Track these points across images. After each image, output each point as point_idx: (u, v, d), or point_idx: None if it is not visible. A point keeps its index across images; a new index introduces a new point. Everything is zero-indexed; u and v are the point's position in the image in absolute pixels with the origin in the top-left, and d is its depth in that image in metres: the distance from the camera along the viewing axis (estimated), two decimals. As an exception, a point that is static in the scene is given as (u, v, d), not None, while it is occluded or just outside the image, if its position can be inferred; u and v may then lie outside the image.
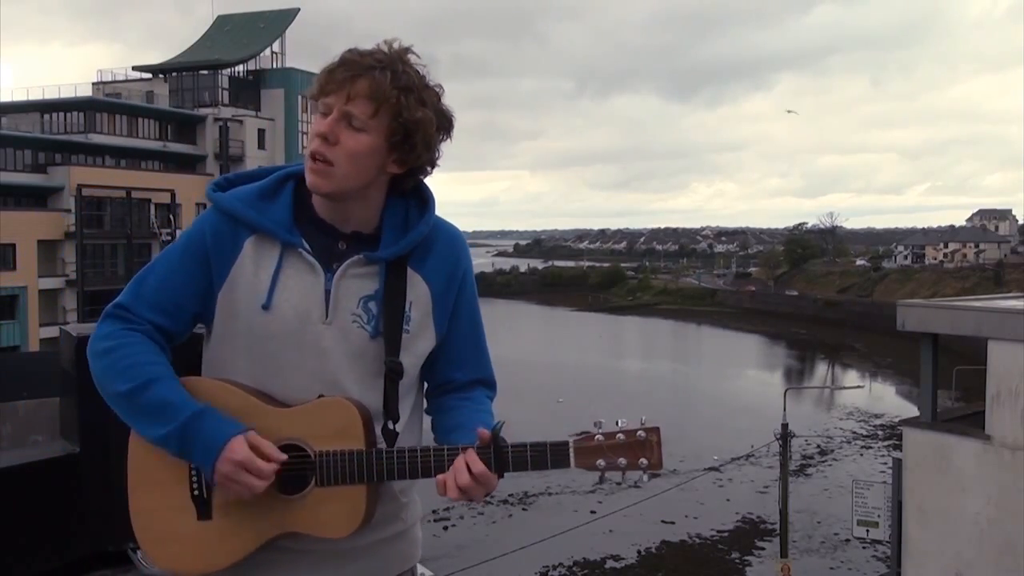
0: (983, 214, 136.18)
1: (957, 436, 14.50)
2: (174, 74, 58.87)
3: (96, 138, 50.52)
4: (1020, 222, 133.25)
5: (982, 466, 13.96)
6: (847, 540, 28.62)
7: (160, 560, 1.76)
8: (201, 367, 1.86)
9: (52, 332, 33.90)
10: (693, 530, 31.43)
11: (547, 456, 1.69)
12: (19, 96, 54.01)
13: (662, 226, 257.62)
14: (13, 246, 41.31)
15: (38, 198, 46.39)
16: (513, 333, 74.36)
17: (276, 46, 60.94)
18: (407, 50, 1.74)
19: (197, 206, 45.92)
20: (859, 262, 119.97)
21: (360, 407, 1.73)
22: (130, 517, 1.77)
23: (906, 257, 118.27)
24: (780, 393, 30.68)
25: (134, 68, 59.94)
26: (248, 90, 58.82)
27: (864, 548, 28.54)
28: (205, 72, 57.99)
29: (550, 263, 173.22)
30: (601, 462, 1.69)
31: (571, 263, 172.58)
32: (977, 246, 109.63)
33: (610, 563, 28.88)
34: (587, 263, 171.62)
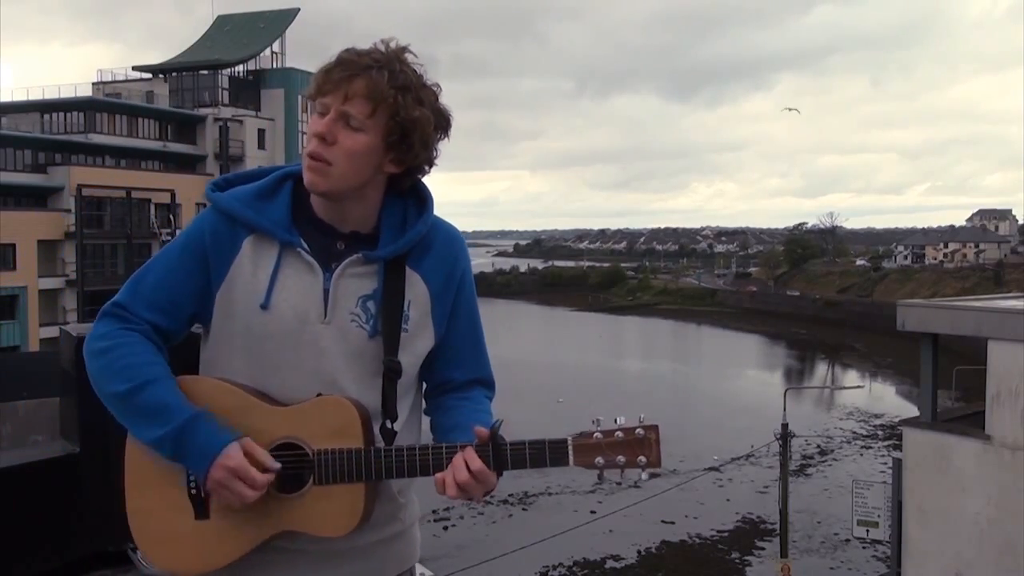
0: (983, 214, 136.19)
1: (957, 436, 14.50)
2: (174, 74, 58.86)
3: (96, 138, 50.52)
4: (1020, 222, 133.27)
5: (982, 466, 13.96)
6: (847, 540, 28.62)
7: (157, 560, 1.76)
8: (199, 367, 1.85)
9: (52, 332, 33.87)
10: (693, 530, 31.42)
11: (546, 454, 1.69)
12: (19, 96, 54.10)
13: (662, 226, 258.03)
14: (13, 246, 41.32)
15: (38, 198, 46.39)
16: (513, 333, 74.37)
17: (276, 46, 60.94)
18: (404, 49, 1.74)
19: (197, 206, 45.87)
20: (859, 262, 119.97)
21: (358, 406, 1.73)
22: (127, 517, 1.76)
23: (906, 257, 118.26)
24: (780, 393, 30.67)
25: (134, 68, 59.95)
26: (248, 90, 58.81)
27: (864, 548, 28.54)
28: (205, 72, 57.97)
29: (550, 263, 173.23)
30: (600, 460, 1.68)
31: (571, 263, 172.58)
32: (977, 246, 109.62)
33: (610, 563, 28.88)
34: (587, 263, 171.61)
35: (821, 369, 69.75)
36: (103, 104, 52.60)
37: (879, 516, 19.72)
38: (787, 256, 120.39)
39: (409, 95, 1.71)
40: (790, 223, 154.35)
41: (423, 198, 1.86)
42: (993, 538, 13.69)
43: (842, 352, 73.65)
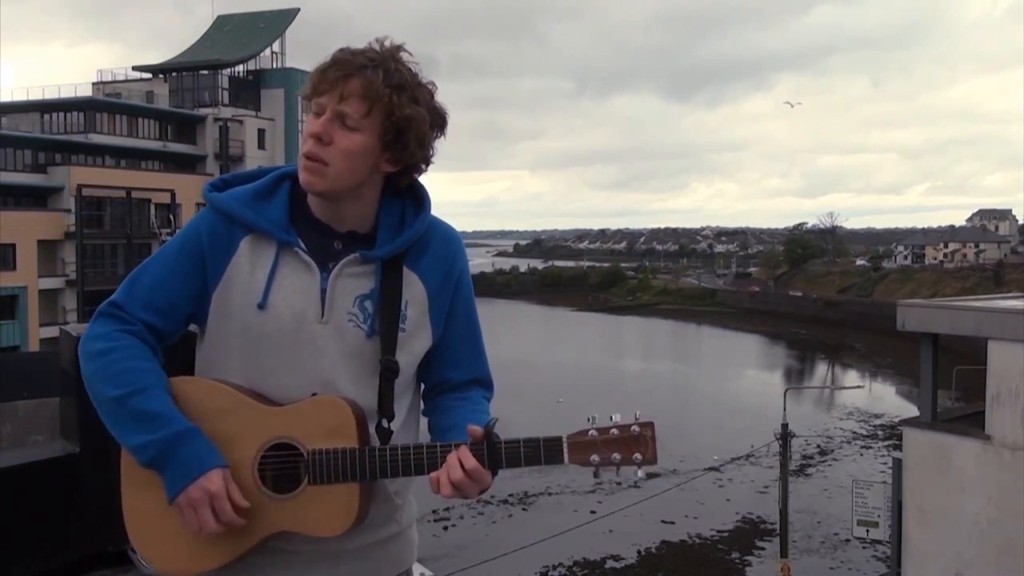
0: (983, 214, 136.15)
1: (957, 436, 14.50)
2: (174, 74, 58.85)
3: (96, 138, 50.51)
4: (1020, 222, 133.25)
5: (982, 466, 13.97)
6: (847, 540, 28.62)
7: (153, 560, 1.75)
8: (195, 366, 1.85)
9: (52, 332, 33.88)
10: (693, 530, 31.42)
11: (540, 452, 1.68)
12: (19, 96, 54.08)
13: (662, 226, 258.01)
14: (13, 246, 41.31)
15: (38, 198, 46.38)
16: (513, 333, 74.39)
17: (276, 46, 60.92)
18: (399, 48, 1.74)
19: (197, 206, 45.82)
20: (859, 262, 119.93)
21: (354, 406, 1.72)
22: (123, 517, 1.76)
23: (906, 257, 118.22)
24: (780, 393, 30.67)
25: (134, 68, 59.94)
26: (248, 90, 58.80)
27: (864, 548, 28.54)
28: (205, 72, 57.96)
29: (550, 263, 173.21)
30: (595, 457, 1.68)
31: (571, 263, 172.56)
32: (977, 246, 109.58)
33: (610, 563, 28.87)
34: (587, 263, 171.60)
35: (821, 369, 69.74)
36: (103, 104, 52.59)
37: (879, 516, 19.72)
38: (787, 256, 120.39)
39: (404, 94, 1.71)
40: (790, 223, 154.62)
41: (420, 198, 1.86)
42: (993, 538, 13.69)
43: (842, 352, 73.64)
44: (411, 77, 1.73)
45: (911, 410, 25.11)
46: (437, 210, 1.88)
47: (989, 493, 13.79)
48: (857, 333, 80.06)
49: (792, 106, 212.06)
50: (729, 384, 59.19)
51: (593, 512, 31.03)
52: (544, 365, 61.91)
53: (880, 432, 45.49)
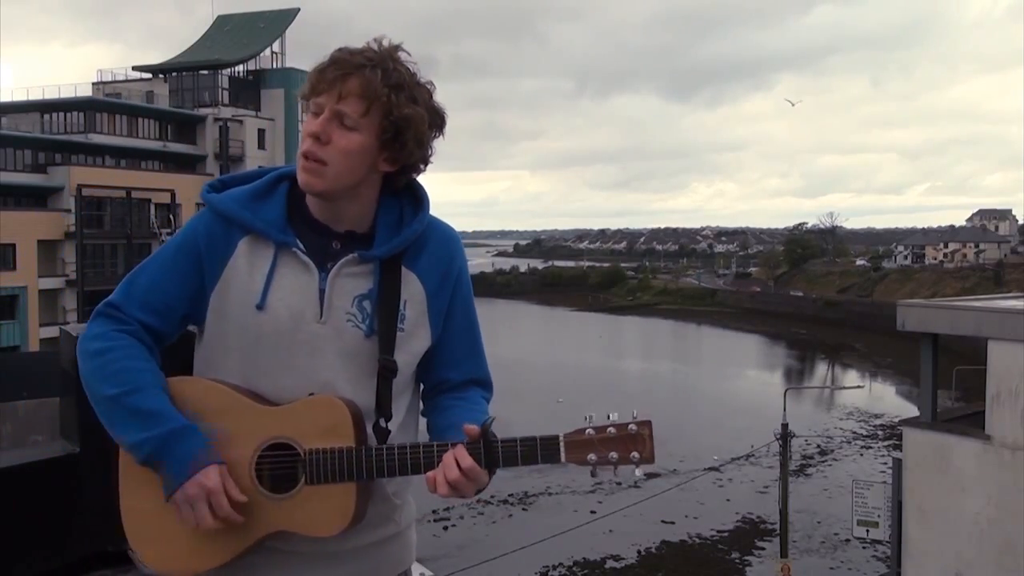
0: (983, 214, 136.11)
1: (957, 436, 14.51)
2: (174, 74, 58.84)
3: (96, 138, 50.51)
4: (1020, 222, 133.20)
5: (982, 466, 13.97)
6: (847, 540, 28.63)
7: (150, 560, 1.75)
8: (193, 367, 1.85)
9: (52, 332, 33.90)
10: (693, 530, 31.42)
11: (537, 451, 1.68)
12: (19, 96, 54.08)
13: (662, 226, 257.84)
14: (13, 246, 41.30)
15: (38, 198, 46.38)
16: (513, 333, 74.39)
17: (276, 46, 60.91)
18: (397, 47, 1.74)
19: (197, 206, 45.62)
20: (859, 262, 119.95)
21: (350, 405, 1.72)
22: (121, 517, 1.76)
23: (906, 257, 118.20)
24: (780, 393, 30.67)
25: (134, 68, 59.94)
26: (248, 90, 58.80)
27: (864, 548, 28.54)
28: (205, 72, 57.95)
29: (550, 263, 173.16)
30: (592, 456, 1.67)
31: (571, 263, 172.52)
32: (977, 246, 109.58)
33: (610, 563, 28.87)
34: (587, 263, 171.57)
35: (821, 369, 69.75)
36: (103, 104, 52.59)
37: (879, 516, 19.72)
38: (787, 256, 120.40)
39: (402, 93, 1.71)
40: (790, 223, 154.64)
41: (419, 197, 1.85)
42: (993, 538, 13.69)
43: (842, 352, 73.64)
44: (409, 77, 1.73)
45: (911, 410, 25.12)
46: (437, 210, 1.88)
47: (989, 493, 13.80)
48: (857, 333, 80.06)
49: (792, 104, 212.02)
50: (729, 384, 59.19)
51: (593, 512, 31.03)
52: (544, 365, 61.91)
53: (880, 432, 45.50)
